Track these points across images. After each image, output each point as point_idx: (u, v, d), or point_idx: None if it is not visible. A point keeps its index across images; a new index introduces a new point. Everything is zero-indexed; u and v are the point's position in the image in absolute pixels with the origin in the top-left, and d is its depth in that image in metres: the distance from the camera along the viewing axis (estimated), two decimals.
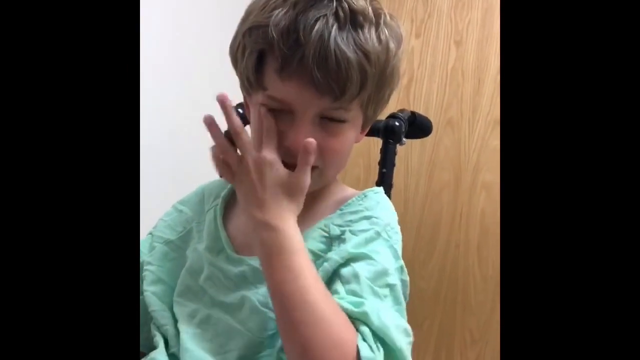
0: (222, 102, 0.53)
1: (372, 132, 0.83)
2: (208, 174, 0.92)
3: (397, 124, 0.79)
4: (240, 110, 0.90)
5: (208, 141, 0.57)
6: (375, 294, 0.52)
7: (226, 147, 0.55)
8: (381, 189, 0.65)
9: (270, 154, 0.54)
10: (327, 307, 0.49)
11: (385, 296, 0.53)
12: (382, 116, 0.86)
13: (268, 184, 0.53)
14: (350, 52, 0.51)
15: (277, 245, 0.51)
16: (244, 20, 0.57)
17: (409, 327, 0.52)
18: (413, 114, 0.85)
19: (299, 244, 0.52)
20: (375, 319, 0.49)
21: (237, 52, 0.57)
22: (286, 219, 0.53)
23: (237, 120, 0.54)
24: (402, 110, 0.84)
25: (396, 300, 0.54)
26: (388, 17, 0.56)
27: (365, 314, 0.49)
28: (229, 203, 0.67)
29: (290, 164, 0.55)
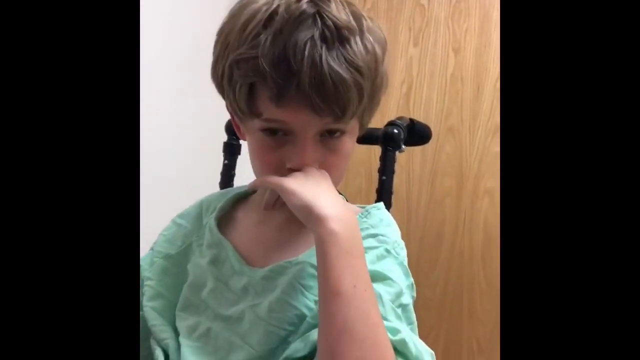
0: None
1: (372, 140, 0.83)
2: (208, 177, 0.92)
3: (395, 131, 0.78)
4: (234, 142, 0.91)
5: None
6: (398, 316, 0.51)
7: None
8: (382, 204, 0.64)
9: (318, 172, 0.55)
10: (384, 330, 0.47)
11: (400, 318, 0.52)
12: (381, 124, 0.86)
13: (327, 186, 0.53)
14: (344, 72, 0.50)
15: (354, 244, 0.49)
16: (222, 45, 0.54)
17: (432, 352, 0.52)
18: (412, 121, 0.85)
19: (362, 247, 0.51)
20: (412, 348, 0.49)
21: (223, 81, 0.55)
22: (355, 216, 0.53)
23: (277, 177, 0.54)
24: (400, 118, 0.84)
25: (409, 320, 0.54)
26: (369, 22, 0.55)
27: (404, 342, 0.48)
28: (228, 214, 0.67)
29: None
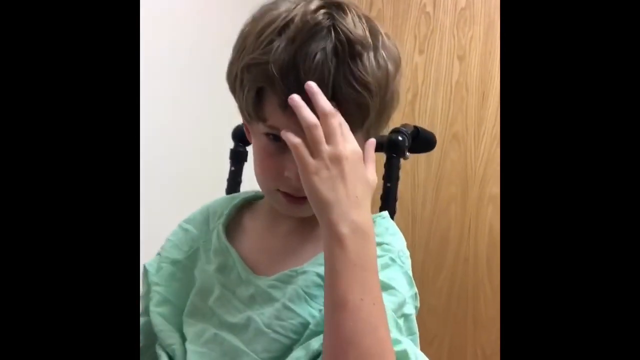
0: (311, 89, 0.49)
1: (376, 147, 0.83)
2: (213, 182, 0.93)
3: (400, 138, 0.78)
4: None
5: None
6: (399, 327, 0.52)
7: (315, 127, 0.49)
8: (387, 213, 0.64)
9: (346, 149, 0.50)
10: (391, 347, 0.47)
11: (401, 329, 0.52)
12: (386, 132, 0.86)
13: (353, 180, 0.49)
14: (348, 88, 0.50)
15: (366, 257, 0.48)
16: (240, 48, 0.55)
17: None
18: (416, 128, 0.85)
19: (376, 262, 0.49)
20: (413, 359, 0.49)
21: (235, 84, 0.56)
22: (372, 227, 0.49)
23: (311, 115, 0.49)
24: (405, 125, 0.84)
25: (410, 331, 0.54)
26: (385, 38, 0.55)
27: (405, 354, 0.49)
28: (235, 220, 0.67)
29: (288, 194, 0.55)
